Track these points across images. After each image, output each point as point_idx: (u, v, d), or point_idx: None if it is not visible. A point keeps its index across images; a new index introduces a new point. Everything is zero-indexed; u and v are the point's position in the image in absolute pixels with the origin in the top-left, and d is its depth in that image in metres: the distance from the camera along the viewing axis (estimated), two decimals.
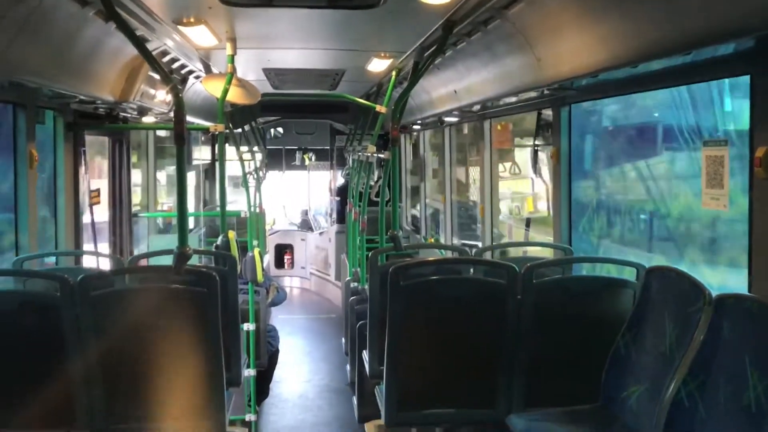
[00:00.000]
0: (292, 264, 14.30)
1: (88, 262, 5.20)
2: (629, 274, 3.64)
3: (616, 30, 3.13)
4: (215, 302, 3.38)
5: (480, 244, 6.66)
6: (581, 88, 4.25)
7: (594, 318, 3.56)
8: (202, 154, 11.35)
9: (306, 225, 14.59)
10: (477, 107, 5.98)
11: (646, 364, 3.12)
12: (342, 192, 12.62)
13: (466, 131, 7.97)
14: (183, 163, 3.71)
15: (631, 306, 3.38)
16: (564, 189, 4.64)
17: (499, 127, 6.35)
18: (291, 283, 14.24)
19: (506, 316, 3.50)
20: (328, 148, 13.50)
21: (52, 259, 4.80)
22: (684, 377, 2.72)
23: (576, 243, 4.73)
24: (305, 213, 14.94)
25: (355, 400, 6.46)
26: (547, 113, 5.07)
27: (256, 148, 8.78)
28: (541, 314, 3.51)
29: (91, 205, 5.43)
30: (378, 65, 6.07)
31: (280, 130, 13.23)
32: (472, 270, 4.28)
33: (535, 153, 5.66)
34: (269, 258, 12.76)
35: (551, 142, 4.81)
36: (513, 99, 5.23)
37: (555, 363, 3.57)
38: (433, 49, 4.78)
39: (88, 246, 5.45)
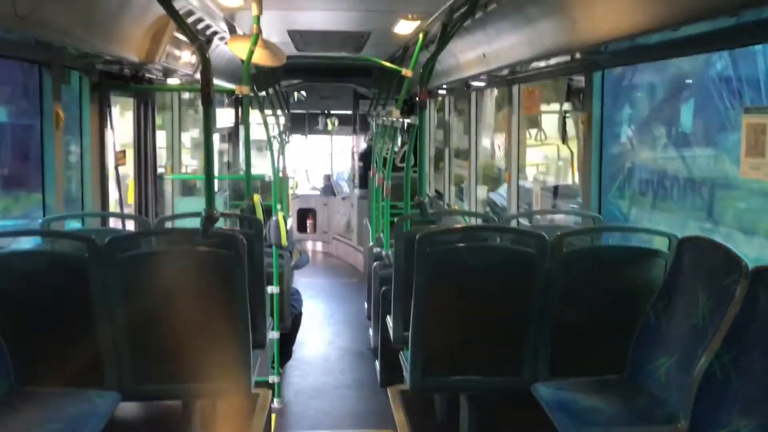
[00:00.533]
0: (314, 228, 14.35)
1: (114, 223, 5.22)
2: (660, 244, 3.57)
3: None
4: (242, 265, 3.38)
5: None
6: (615, 52, 4.13)
7: (623, 288, 3.50)
8: (224, 117, 11.32)
9: (328, 190, 14.59)
10: (506, 72, 5.86)
11: (676, 335, 3.07)
12: (365, 157, 12.58)
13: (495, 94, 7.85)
14: (210, 125, 3.68)
15: (663, 276, 3.32)
16: (595, 156, 4.54)
17: (527, 93, 6.23)
18: (313, 247, 14.31)
19: (534, 285, 3.46)
20: (351, 112, 13.41)
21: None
22: (717, 350, 2.67)
23: None
24: (328, 178, 14.93)
25: (377, 364, 6.51)
26: (578, 78, 4.95)
27: (279, 112, 8.74)
28: (569, 283, 3.46)
29: (116, 167, 5.43)
30: (405, 27, 5.97)
31: (304, 93, 13.15)
32: (498, 238, 4.23)
33: (563, 119, 5.56)
34: (292, 222, 12.80)
35: (582, 108, 4.71)
36: (543, 63, 5.12)
37: (582, 332, 3.53)
38: (463, 10, 4.67)
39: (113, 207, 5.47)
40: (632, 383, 3.27)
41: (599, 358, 3.49)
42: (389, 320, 4.60)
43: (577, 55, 4.42)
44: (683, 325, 3.01)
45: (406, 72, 5.91)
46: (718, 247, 2.91)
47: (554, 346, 3.52)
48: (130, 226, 5.16)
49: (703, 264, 2.98)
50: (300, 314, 7.57)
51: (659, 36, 3.49)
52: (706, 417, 2.65)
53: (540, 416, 3.25)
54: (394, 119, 7.02)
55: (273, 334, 6.09)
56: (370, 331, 7.92)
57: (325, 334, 9.01)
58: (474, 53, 6.10)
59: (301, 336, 8.12)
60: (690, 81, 4.81)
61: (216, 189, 6.41)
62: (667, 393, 3.00)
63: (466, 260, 3.53)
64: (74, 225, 4.69)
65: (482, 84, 7.01)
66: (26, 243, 4.17)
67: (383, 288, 5.87)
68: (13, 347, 3.11)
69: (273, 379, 6.24)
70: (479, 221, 5.85)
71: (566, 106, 5.96)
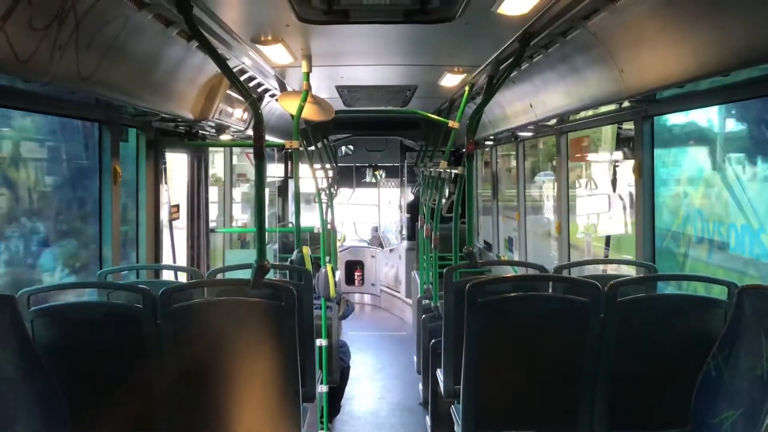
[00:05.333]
0: (362, 281, 14.36)
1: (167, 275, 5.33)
2: (719, 293, 3.46)
3: (705, 37, 3.01)
4: (292, 316, 3.39)
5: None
6: (665, 99, 4.11)
7: (681, 338, 3.39)
8: (274, 171, 11.56)
9: (376, 242, 14.64)
10: (554, 121, 5.86)
11: (740, 387, 2.95)
12: (412, 209, 12.63)
13: (541, 146, 7.83)
14: (262, 178, 3.75)
15: (722, 326, 3.21)
16: (647, 204, 4.47)
17: (576, 142, 6.20)
18: (361, 299, 14.30)
19: (589, 335, 3.38)
20: (399, 164, 13.54)
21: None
22: None
23: None
24: (375, 230, 15.00)
25: (428, 419, 6.39)
26: (628, 127, 4.92)
27: (327, 165, 8.89)
28: (625, 334, 3.37)
29: (170, 221, 5.56)
30: (451, 80, 6.04)
31: (351, 147, 13.36)
32: (551, 288, 4.16)
33: (614, 168, 5.51)
34: (340, 274, 12.85)
35: (632, 156, 4.66)
36: (591, 112, 5.11)
37: (640, 385, 3.42)
38: (508, 62, 4.72)
39: (167, 260, 5.59)
40: None
41: (659, 411, 3.37)
42: (439, 373, 4.54)
43: (626, 103, 4.39)
44: (747, 377, 2.89)
45: (453, 123, 5.97)
46: None
47: (611, 399, 3.42)
48: (183, 278, 5.26)
49: (766, 312, 2.87)
50: (348, 367, 7.53)
51: (709, 82, 3.46)
52: None
53: None
54: (441, 170, 7.05)
55: (322, 388, 6.06)
56: (420, 385, 7.81)
57: (374, 389, 8.92)
58: (520, 103, 6.12)
59: (349, 390, 8.05)
60: None
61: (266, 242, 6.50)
62: None
63: (518, 310, 3.48)
64: (130, 277, 4.80)
65: (529, 134, 7.01)
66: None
67: (433, 340, 5.82)
68: (68, 396, 3.16)
69: None
70: (530, 272, 5.77)
71: (616, 154, 5.91)
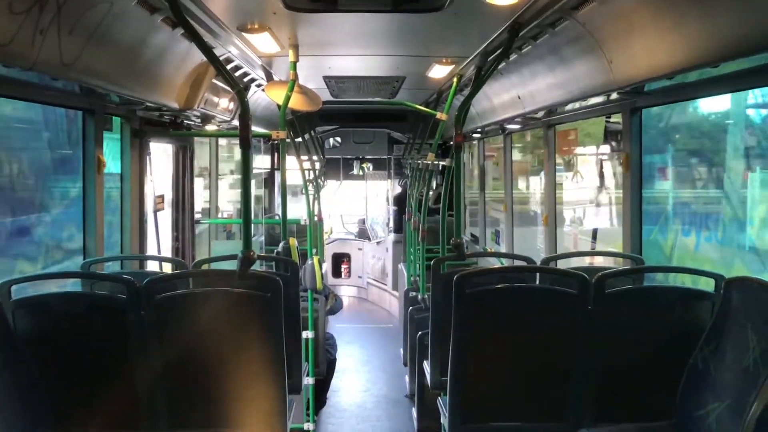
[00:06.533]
0: (349, 273, 14.34)
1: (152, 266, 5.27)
2: (706, 285, 3.46)
3: (695, 28, 3.00)
4: (278, 307, 3.36)
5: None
6: (654, 91, 4.10)
7: (669, 330, 3.40)
8: (261, 163, 11.48)
9: (363, 234, 14.62)
10: (542, 113, 5.85)
11: (726, 379, 2.95)
12: (399, 201, 12.61)
13: (529, 138, 7.83)
14: (248, 168, 3.71)
15: (709, 318, 3.21)
16: (634, 197, 4.47)
17: (564, 134, 6.19)
18: (348, 292, 14.28)
19: (576, 327, 3.38)
20: (386, 157, 13.51)
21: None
22: None
23: None
24: (362, 222, 14.97)
25: (414, 411, 6.39)
26: (615, 120, 4.92)
27: (314, 157, 8.84)
28: (612, 325, 3.38)
29: (155, 211, 5.51)
30: (439, 71, 6.01)
31: (339, 139, 13.31)
32: (538, 279, 4.16)
33: (601, 161, 5.50)
34: (327, 267, 12.82)
35: (620, 149, 4.66)
36: (579, 104, 5.10)
37: (627, 376, 3.42)
38: (497, 53, 4.69)
39: (151, 250, 5.53)
40: (682, 430, 3.14)
41: (646, 403, 3.37)
42: (426, 365, 4.52)
43: (615, 95, 4.38)
44: (733, 369, 2.89)
45: (441, 115, 5.94)
46: (767, 288, 2.81)
47: (599, 390, 3.42)
48: (168, 269, 5.20)
49: (753, 305, 2.88)
50: (335, 360, 7.51)
51: (698, 74, 3.45)
52: None
53: None
54: (429, 162, 7.03)
55: (308, 380, 6.03)
56: (407, 378, 7.81)
57: (360, 381, 8.91)
58: (508, 95, 6.11)
59: (335, 382, 8.03)
60: None
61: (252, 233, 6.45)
62: None
63: (506, 301, 3.47)
64: (113, 268, 4.74)
65: (517, 126, 7.00)
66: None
67: (420, 332, 5.80)
68: (51, 388, 3.11)
69: (308, 426, 6.15)
70: (518, 264, 5.77)
71: (604, 147, 5.92)
